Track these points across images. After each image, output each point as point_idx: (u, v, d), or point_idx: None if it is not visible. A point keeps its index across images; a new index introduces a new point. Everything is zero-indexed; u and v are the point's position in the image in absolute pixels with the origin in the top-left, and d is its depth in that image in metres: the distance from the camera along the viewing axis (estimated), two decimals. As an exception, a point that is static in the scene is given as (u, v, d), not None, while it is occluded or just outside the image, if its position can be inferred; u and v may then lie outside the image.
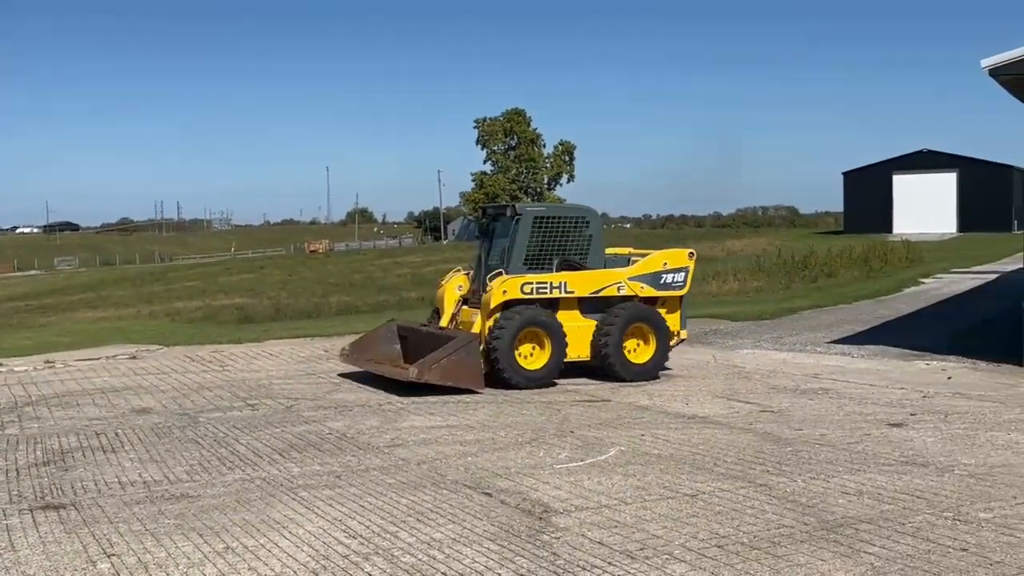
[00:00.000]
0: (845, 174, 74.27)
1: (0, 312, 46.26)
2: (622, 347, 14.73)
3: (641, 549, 6.86)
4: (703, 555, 6.70)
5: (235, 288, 51.97)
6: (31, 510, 8.20)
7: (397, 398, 13.54)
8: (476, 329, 14.54)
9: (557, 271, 14.87)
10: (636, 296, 15.11)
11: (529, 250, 14.89)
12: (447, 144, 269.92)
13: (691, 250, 16.01)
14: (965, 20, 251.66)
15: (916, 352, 17.41)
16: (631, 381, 14.60)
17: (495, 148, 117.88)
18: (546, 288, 14.64)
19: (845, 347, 18.52)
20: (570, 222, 15.18)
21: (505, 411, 12.58)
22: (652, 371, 15.02)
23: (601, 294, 14.94)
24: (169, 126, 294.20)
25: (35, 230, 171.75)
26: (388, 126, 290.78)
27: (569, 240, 15.09)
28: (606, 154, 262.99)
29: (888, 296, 29.21)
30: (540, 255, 14.97)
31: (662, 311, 15.31)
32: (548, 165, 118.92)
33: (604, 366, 14.78)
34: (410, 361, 14.71)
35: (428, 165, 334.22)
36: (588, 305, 14.98)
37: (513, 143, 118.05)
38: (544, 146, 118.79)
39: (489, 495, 8.41)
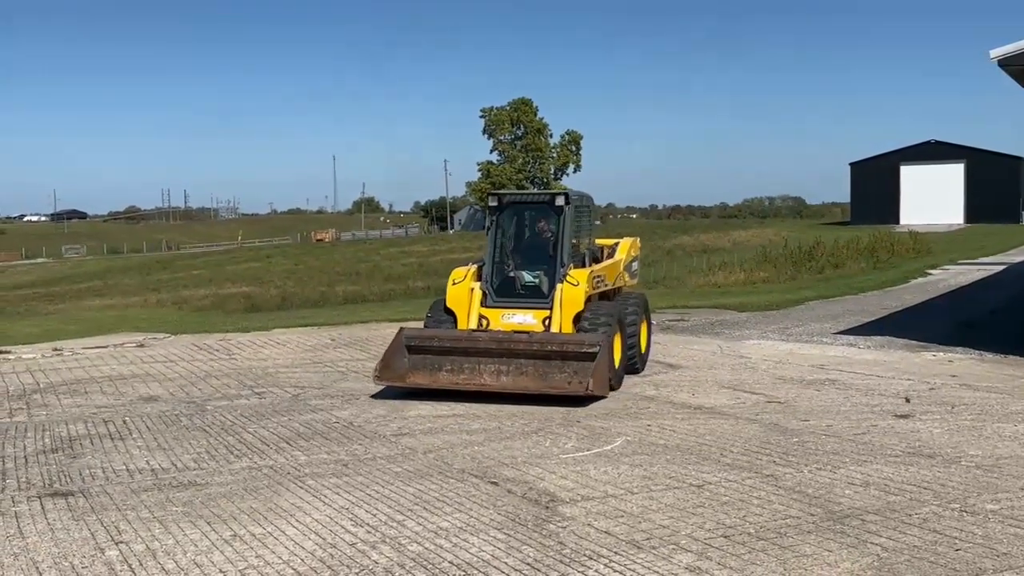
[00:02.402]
0: (852, 165, 74.03)
1: (8, 300, 46.43)
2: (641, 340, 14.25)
3: (647, 539, 6.87)
4: (709, 545, 6.71)
5: (242, 277, 52.10)
6: (39, 497, 8.23)
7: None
8: (555, 327, 12.83)
9: (588, 263, 13.74)
10: (625, 285, 14.83)
11: (570, 241, 13.59)
12: (454, 134, 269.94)
13: (637, 236, 16.27)
14: (973, 10, 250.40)
15: (923, 343, 17.37)
16: (636, 373, 14.14)
17: (502, 138, 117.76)
18: (602, 281, 13.82)
19: (852, 338, 18.48)
20: (584, 209, 14.42)
21: (511, 401, 12.57)
22: (643, 361, 14.70)
23: (615, 284, 14.57)
24: (176, 114, 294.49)
25: (43, 218, 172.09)
26: (394, 115, 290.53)
27: (581, 228, 14.18)
28: (612, 144, 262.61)
29: (895, 287, 29.14)
30: (573, 246, 13.77)
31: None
32: (555, 155, 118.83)
33: (629, 358, 13.80)
34: (453, 371, 12.73)
35: (435, 155, 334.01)
36: (603, 297, 14.15)
37: (520, 133, 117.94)
38: (551, 136, 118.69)
39: (495, 484, 8.43)
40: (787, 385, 13.51)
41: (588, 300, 13.09)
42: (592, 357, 12.08)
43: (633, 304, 14.33)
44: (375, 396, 12.96)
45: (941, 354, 16.28)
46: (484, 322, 13.22)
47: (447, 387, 12.53)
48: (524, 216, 14.20)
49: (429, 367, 12.83)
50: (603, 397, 12.26)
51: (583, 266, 13.52)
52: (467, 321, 13.31)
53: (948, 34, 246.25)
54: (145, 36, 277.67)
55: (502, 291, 13.53)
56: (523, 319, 13.13)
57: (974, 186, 68.36)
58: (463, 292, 13.48)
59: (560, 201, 13.48)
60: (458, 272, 13.86)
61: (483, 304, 13.35)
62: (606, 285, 14.05)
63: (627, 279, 15.18)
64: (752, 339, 18.75)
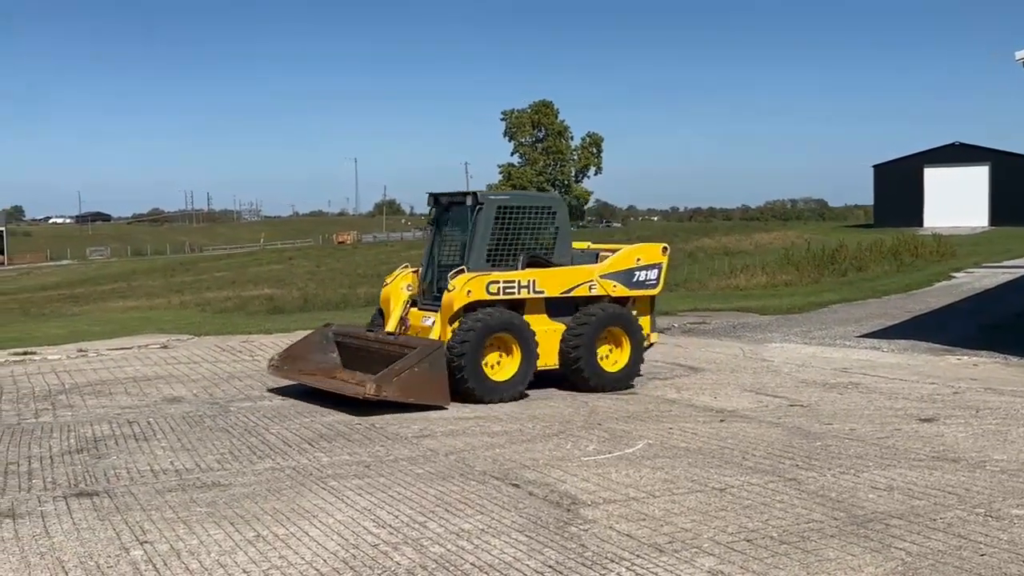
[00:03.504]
0: (876, 167, 73.55)
1: (33, 301, 46.82)
2: (595, 353, 13.27)
3: (670, 542, 6.86)
4: (732, 548, 6.69)
5: (264, 278, 52.30)
6: (65, 497, 8.30)
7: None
8: (435, 334, 12.80)
9: (523, 268, 13.25)
10: (607, 296, 13.61)
11: (491, 244, 13.17)
12: (475, 137, 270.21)
13: (664, 244, 14.39)
14: (997, 11, 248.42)
15: (947, 347, 17.26)
16: (603, 391, 13.20)
17: (523, 140, 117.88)
18: (514, 287, 12.98)
19: (875, 341, 18.38)
20: (536, 213, 13.57)
21: (532, 403, 12.58)
22: (626, 380, 13.58)
23: (572, 294, 13.42)
24: (199, 117, 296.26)
25: (67, 220, 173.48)
26: (416, 118, 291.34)
27: (535, 233, 13.52)
28: (634, 146, 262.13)
29: (919, 290, 28.96)
30: (503, 250, 13.25)
31: (632, 312, 13.85)
32: (576, 157, 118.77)
33: (573, 374, 13.29)
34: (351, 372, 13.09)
35: (456, 157, 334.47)
36: (556, 306, 13.42)
37: (541, 135, 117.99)
38: (572, 138, 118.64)
39: (517, 486, 8.44)
40: (810, 389, 13.45)
41: (473, 307, 12.72)
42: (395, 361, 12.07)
43: (587, 316, 13.30)
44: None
45: (966, 358, 16.17)
46: (402, 326, 13.34)
47: (309, 383, 13.18)
48: (456, 217, 13.87)
49: (301, 361, 13.62)
50: (415, 405, 11.94)
51: (508, 269, 13.13)
52: (390, 322, 13.46)
53: (972, 35, 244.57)
54: (169, 39, 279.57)
55: (428, 293, 13.64)
56: (429, 322, 13.11)
57: (999, 188, 67.76)
58: (389, 293, 13.71)
59: (470, 201, 13.32)
60: (393, 273, 14.04)
61: (416, 306, 13.53)
62: (524, 293, 13.06)
63: (618, 288, 13.69)
64: (774, 342, 18.68)
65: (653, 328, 14.45)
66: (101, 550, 6.85)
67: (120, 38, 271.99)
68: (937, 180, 68.91)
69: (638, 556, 6.57)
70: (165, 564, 6.54)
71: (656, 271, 14.05)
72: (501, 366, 12.83)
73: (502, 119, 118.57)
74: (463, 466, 9.23)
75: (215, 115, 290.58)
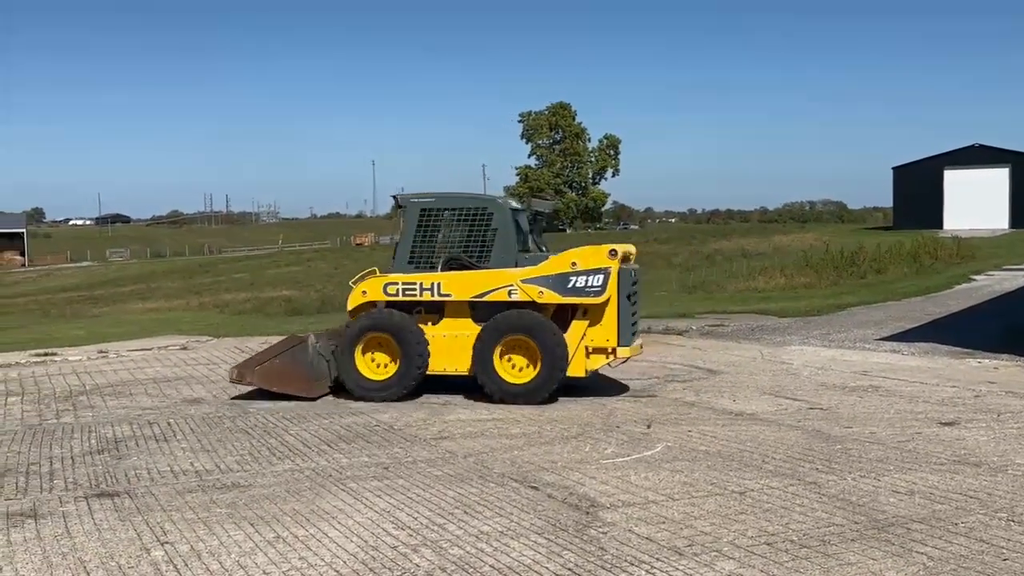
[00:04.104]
0: (895, 169, 73.12)
1: (54, 302, 47.16)
2: (492, 362, 12.75)
3: (689, 545, 6.84)
4: (752, 552, 6.67)
5: (283, 280, 52.53)
6: (86, 497, 8.36)
7: (444, 392, 13.54)
8: None
9: (442, 270, 13.13)
10: (533, 302, 12.86)
11: (415, 246, 13.27)
12: (492, 139, 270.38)
13: (613, 248, 12.94)
14: (1019, 12, 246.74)
15: (967, 350, 17.14)
16: (505, 403, 12.68)
17: (540, 142, 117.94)
18: (414, 289, 12.99)
19: (895, 344, 18.28)
20: (467, 215, 13.28)
21: (550, 406, 12.58)
22: (533, 394, 12.68)
23: (486, 298, 12.94)
24: (218, 120, 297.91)
25: (88, 222, 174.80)
26: (433, 121, 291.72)
27: (466, 236, 13.25)
28: (652, 147, 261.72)
29: (939, 293, 28.79)
30: (426, 252, 13.26)
31: (582, 322, 12.85)
32: (593, 159, 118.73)
33: (477, 382, 12.99)
34: None
35: (473, 159, 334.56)
36: (481, 311, 13.12)
37: (558, 137, 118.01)
38: (589, 140, 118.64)
39: (536, 489, 8.43)
40: (829, 391, 13.38)
41: (386, 306, 13.20)
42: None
43: (490, 323, 12.88)
44: (415, 400, 13.02)
45: (987, 361, 16.06)
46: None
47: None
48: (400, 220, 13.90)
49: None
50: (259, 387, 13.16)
51: (430, 271, 13.14)
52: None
53: (993, 36, 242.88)
54: (189, 43, 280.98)
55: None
56: None
57: (1020, 191, 67.21)
58: (350, 298, 13.71)
59: (394, 203, 13.64)
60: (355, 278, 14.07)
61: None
62: (426, 296, 13.06)
63: (547, 295, 12.81)
64: (793, 345, 18.60)
65: (622, 340, 12.90)
66: (122, 550, 6.89)
67: (141, 42, 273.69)
68: (957, 182, 68.45)
69: (658, 559, 6.56)
70: (186, 565, 6.58)
71: (601, 277, 12.72)
72: (385, 368, 13.16)
73: (520, 121, 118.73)
74: (481, 468, 9.23)
75: (234, 118, 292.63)
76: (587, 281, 12.77)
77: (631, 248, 13.75)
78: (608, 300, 12.81)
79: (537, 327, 12.76)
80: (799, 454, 9.65)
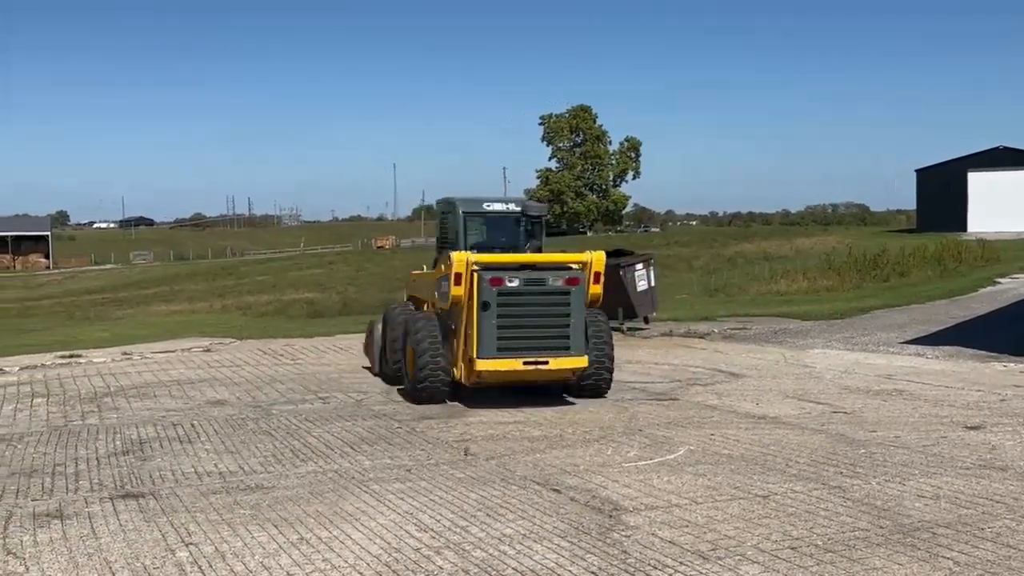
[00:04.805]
0: (918, 171, 72.65)
1: (78, 305, 47.53)
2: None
3: (713, 549, 6.81)
4: (776, 556, 6.63)
5: (304, 283, 52.73)
6: (111, 498, 8.41)
7: (464, 396, 13.54)
8: None
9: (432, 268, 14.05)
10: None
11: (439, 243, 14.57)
12: (513, 141, 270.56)
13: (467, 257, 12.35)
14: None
15: (992, 353, 17.01)
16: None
17: (561, 145, 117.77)
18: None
19: (919, 348, 18.16)
20: (442, 214, 14.49)
21: (572, 409, 12.57)
22: (409, 390, 13.18)
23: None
24: (241, 124, 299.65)
25: (111, 225, 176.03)
26: (454, 124, 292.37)
27: (442, 234, 14.36)
28: (673, 150, 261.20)
29: (963, 296, 28.57)
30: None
31: (458, 329, 12.54)
32: (614, 162, 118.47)
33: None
34: None
35: (494, 162, 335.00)
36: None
37: (579, 140, 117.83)
38: (610, 142, 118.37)
39: (558, 492, 8.42)
40: (853, 395, 13.30)
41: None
42: None
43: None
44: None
45: (1012, 364, 15.92)
46: None
47: None
48: None
49: None
50: None
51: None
52: None
53: (1017, 37, 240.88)
54: (212, 47, 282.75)
55: None
56: None
57: (1045, 193, 66.60)
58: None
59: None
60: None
61: None
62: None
63: (431, 296, 13.44)
64: (816, 348, 18.51)
65: (482, 351, 12.09)
66: (147, 551, 6.93)
67: (163, 46, 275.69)
68: (981, 184, 67.88)
69: (681, 563, 6.53)
70: (210, 566, 6.60)
71: (444, 283, 12.39)
72: None
73: (540, 124, 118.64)
74: (504, 471, 9.23)
75: (256, 121, 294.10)
76: (441, 285, 12.59)
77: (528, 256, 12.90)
78: (461, 308, 12.26)
79: (411, 328, 13.17)
80: (823, 458, 9.59)
